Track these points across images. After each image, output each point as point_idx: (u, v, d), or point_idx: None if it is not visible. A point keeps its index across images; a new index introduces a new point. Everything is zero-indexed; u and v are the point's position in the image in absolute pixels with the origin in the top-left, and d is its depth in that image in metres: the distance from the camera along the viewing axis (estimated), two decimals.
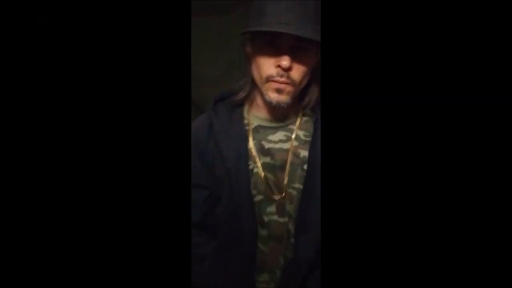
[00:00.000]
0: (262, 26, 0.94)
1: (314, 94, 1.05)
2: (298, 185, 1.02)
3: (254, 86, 1.05)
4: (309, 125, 1.07)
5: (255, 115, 1.08)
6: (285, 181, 1.02)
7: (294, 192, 1.02)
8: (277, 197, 1.02)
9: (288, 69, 0.96)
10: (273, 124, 1.06)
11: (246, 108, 1.09)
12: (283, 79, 0.97)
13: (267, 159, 1.04)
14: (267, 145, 1.04)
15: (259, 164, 1.03)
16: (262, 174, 1.02)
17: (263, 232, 1.02)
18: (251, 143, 1.04)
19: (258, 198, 1.02)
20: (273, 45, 0.96)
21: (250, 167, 1.03)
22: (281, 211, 1.03)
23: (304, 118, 1.08)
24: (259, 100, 1.07)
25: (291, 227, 1.02)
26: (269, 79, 0.98)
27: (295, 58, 0.96)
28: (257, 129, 1.06)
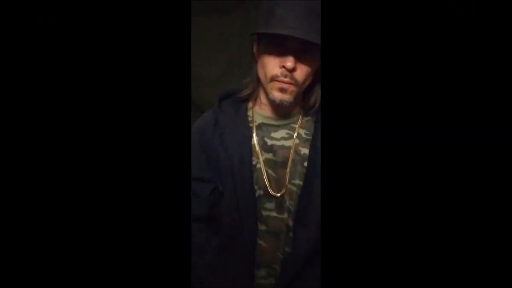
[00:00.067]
0: (270, 28, 0.97)
1: (319, 94, 1.08)
2: (298, 181, 1.05)
3: (258, 84, 1.09)
4: (310, 124, 1.10)
5: (259, 113, 1.11)
6: (286, 177, 1.05)
7: (294, 188, 1.05)
8: (276, 194, 1.04)
9: (292, 70, 0.99)
10: (276, 122, 1.09)
11: (250, 105, 1.13)
12: (287, 79, 1.00)
13: (269, 155, 1.07)
14: (269, 142, 1.08)
15: (261, 160, 1.05)
16: (264, 169, 1.05)
17: (262, 227, 1.05)
18: (254, 140, 1.07)
19: (258, 193, 1.05)
20: (279, 46, 0.99)
21: (253, 162, 1.06)
22: (279, 208, 1.05)
23: (306, 118, 1.11)
24: (263, 98, 1.10)
25: (290, 222, 1.04)
26: (273, 79, 1.01)
27: (299, 60, 0.99)
28: (260, 126, 1.09)
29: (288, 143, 1.07)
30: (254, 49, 1.07)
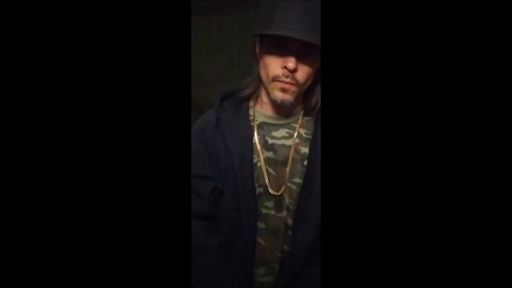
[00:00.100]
0: (271, 29, 0.98)
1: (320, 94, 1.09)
2: (298, 180, 1.06)
3: (260, 84, 1.10)
4: (310, 124, 1.11)
5: (260, 112, 1.12)
6: (286, 176, 1.06)
7: (294, 187, 1.06)
8: (276, 192, 1.05)
9: (293, 71, 1.00)
10: (277, 121, 1.10)
11: (251, 105, 1.13)
12: (288, 80, 1.01)
13: (270, 154, 1.07)
14: (270, 141, 1.09)
15: (262, 159, 1.06)
16: (264, 168, 1.06)
17: (261, 226, 1.05)
18: (256, 138, 1.08)
19: (258, 191, 1.05)
20: (281, 47, 1.00)
21: (254, 161, 1.06)
22: (278, 206, 1.06)
23: (306, 117, 1.11)
24: (264, 98, 1.11)
25: (289, 220, 1.05)
26: (275, 79, 1.02)
27: (300, 60, 1.00)
28: (261, 125, 1.10)
29: (288, 142, 1.08)
30: (257, 49, 1.07)
